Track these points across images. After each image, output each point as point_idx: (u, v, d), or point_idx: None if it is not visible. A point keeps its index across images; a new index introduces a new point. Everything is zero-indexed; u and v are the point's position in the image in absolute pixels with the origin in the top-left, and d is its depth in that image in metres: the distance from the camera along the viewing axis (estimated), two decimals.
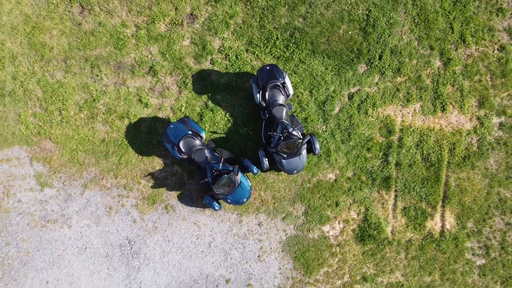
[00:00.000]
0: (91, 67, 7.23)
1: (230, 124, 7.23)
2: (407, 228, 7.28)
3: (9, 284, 7.24)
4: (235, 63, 7.21)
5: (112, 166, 7.27)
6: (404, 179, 7.26)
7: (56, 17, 7.19)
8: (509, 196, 7.21)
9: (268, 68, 6.50)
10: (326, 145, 7.21)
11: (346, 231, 7.31)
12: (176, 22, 7.20)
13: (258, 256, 7.29)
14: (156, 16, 7.17)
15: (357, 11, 7.16)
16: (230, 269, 7.28)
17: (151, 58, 7.24)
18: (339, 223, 7.33)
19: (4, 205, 7.23)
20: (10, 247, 7.24)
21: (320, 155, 7.20)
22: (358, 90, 7.24)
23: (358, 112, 7.22)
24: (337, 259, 7.30)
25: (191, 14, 7.23)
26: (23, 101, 7.23)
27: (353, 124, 7.21)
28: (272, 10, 7.16)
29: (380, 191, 7.28)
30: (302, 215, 7.31)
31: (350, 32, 7.19)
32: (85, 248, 7.27)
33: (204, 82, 7.23)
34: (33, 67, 7.22)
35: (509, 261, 7.23)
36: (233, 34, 7.23)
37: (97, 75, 7.24)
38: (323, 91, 7.19)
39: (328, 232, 7.33)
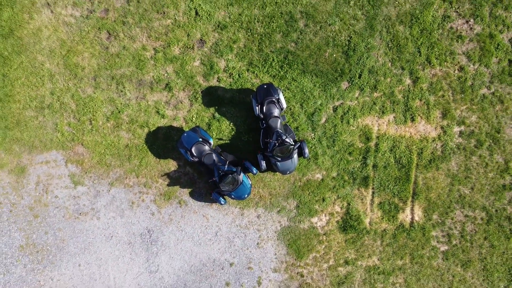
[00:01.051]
0: (117, 84, 8.60)
1: (233, 132, 8.61)
2: (382, 220, 8.64)
3: (48, 266, 8.59)
4: (237, 81, 8.58)
5: (134, 167, 8.63)
6: (379, 178, 8.62)
7: (87, 42, 8.55)
8: (468, 193, 8.58)
9: (265, 86, 7.87)
10: (314, 149, 8.58)
11: (331, 222, 8.68)
12: (188, 46, 8.57)
13: (257, 244, 8.65)
14: (171, 41, 8.54)
15: (340, 37, 8.53)
16: (233, 254, 8.64)
17: (167, 76, 8.60)
18: (325, 216, 8.69)
19: (43, 200, 8.58)
20: (48, 236, 8.60)
21: (309, 158, 8.56)
22: (341, 103, 8.61)
23: (341, 122, 8.59)
24: (323, 246, 8.66)
25: (201, 40, 8.60)
26: (60, 112, 8.59)
27: (337, 132, 8.58)
28: (269, 36, 8.53)
29: (360, 189, 8.65)
30: (294, 209, 8.67)
31: (334, 55, 8.57)
32: (111, 236, 8.63)
33: (212, 97, 8.60)
34: (68, 84, 8.58)
35: (468, 247, 8.60)
36: (236, 56, 8.60)
37: (122, 91, 8.60)
38: (311, 104, 8.56)
39: (316, 223, 8.69)
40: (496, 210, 8.56)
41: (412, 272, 8.65)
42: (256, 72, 8.57)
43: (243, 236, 8.64)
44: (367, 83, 8.55)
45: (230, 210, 8.66)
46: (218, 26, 8.53)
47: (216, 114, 8.59)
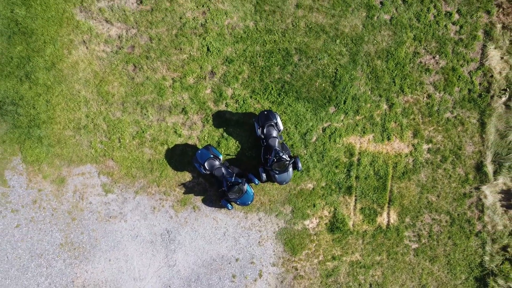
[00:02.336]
0: (141, 108, 10.26)
1: (239, 149, 10.28)
2: (363, 222, 10.32)
3: (83, 261, 10.25)
4: (242, 106, 10.26)
5: (155, 178, 10.30)
6: (361, 187, 10.30)
7: (116, 73, 10.22)
8: (434, 200, 10.26)
9: (266, 112, 9.54)
10: (306, 163, 10.26)
11: (320, 224, 10.35)
12: (201, 77, 10.25)
13: (259, 242, 10.31)
14: (187, 72, 10.22)
15: (328, 70, 10.22)
16: (238, 251, 10.30)
17: (183, 102, 10.28)
18: (315, 219, 10.37)
19: (79, 205, 10.24)
20: (83, 235, 10.25)
21: (302, 171, 10.23)
22: (329, 125, 10.29)
23: (329, 140, 10.27)
24: (314, 244, 10.33)
25: (212, 71, 10.27)
26: (93, 132, 10.26)
27: (325, 149, 10.26)
28: (269, 69, 10.22)
29: (345, 196, 10.33)
30: (290, 213, 10.34)
31: (323, 84, 10.25)
32: (136, 236, 10.29)
33: (221, 119, 10.27)
34: (100, 108, 10.25)
35: (434, 245, 10.28)
36: (241, 85, 10.28)
37: (145, 114, 10.27)
38: (304, 125, 10.24)
39: (308, 225, 10.36)
40: (458, 214, 10.25)
41: (388, 266, 10.33)
42: (257, 98, 10.25)
43: (247, 236, 10.31)
44: (350, 108, 10.24)
45: (236, 214, 10.33)
46: (226, 60, 10.21)
47: (225, 134, 10.26)
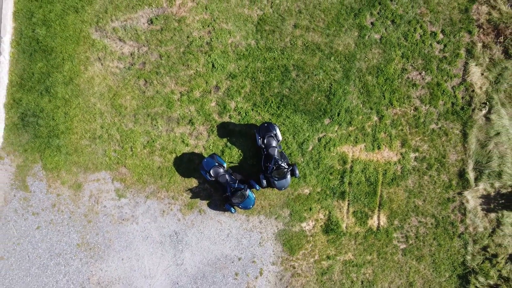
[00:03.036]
0: (151, 120, 11.17)
1: (242, 157, 11.20)
2: (355, 225, 11.24)
3: (98, 260, 11.15)
4: (244, 118, 11.17)
5: (164, 184, 11.20)
6: (353, 193, 11.22)
7: (129, 87, 11.14)
8: (421, 204, 11.18)
9: (266, 124, 10.45)
10: (303, 171, 11.17)
11: (316, 227, 11.26)
12: (207, 91, 11.17)
13: (259, 243, 11.22)
14: (194, 87, 11.13)
15: (323, 85, 11.14)
16: (241, 251, 11.21)
17: (190, 114, 11.19)
18: (312, 221, 11.28)
19: (95, 209, 11.15)
20: (98, 236, 11.16)
21: (300, 177, 11.14)
22: (324, 135, 11.21)
23: (324, 149, 11.18)
24: (310, 245, 11.24)
25: (216, 86, 11.19)
26: (107, 142, 11.16)
27: (321, 157, 11.17)
28: (269, 83, 11.14)
29: (338, 201, 11.25)
30: (288, 216, 11.25)
31: (319, 98, 11.17)
32: (147, 237, 11.19)
33: (225, 130, 11.18)
34: (114, 120, 11.16)
35: (421, 245, 11.20)
36: (243, 99, 11.19)
37: (155, 125, 11.18)
38: (301, 136, 11.16)
39: (305, 227, 11.27)
40: (442, 217, 11.17)
41: (378, 265, 11.24)
42: (258, 111, 11.17)
43: (249, 237, 11.21)
44: (344, 119, 11.16)
45: (239, 217, 11.24)
46: (230, 75, 11.13)
47: (228, 144, 11.17)
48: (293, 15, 11.11)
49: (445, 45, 11.14)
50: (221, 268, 11.19)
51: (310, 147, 11.20)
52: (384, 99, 11.14)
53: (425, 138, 11.15)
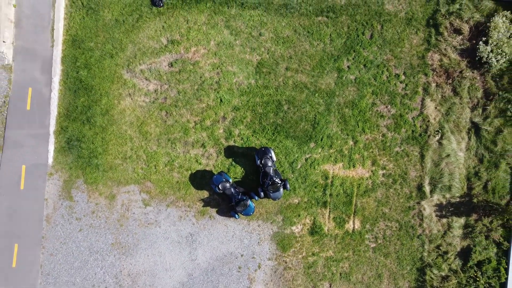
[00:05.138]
0: (171, 143, 13.91)
1: (244, 174, 13.95)
2: (335, 228, 13.99)
3: (128, 256, 13.86)
4: (246, 142, 13.92)
5: (182, 195, 13.93)
6: (334, 202, 13.97)
7: (153, 117, 13.88)
8: (387, 211, 13.95)
9: (263, 148, 13.20)
10: (293, 184, 13.92)
11: (304, 229, 14.00)
12: (216, 120, 13.92)
13: (258, 242, 13.95)
14: (205, 117, 13.88)
15: (309, 116, 13.90)
16: (243, 249, 13.93)
17: (202, 139, 13.93)
18: (300, 225, 14.02)
19: (126, 215, 13.87)
20: (128, 237, 13.88)
21: (290, 190, 13.89)
22: (310, 156, 13.97)
23: (310, 167, 13.94)
24: (299, 244, 13.98)
25: (223, 117, 13.94)
26: (136, 161, 13.90)
27: (307, 174, 13.93)
28: (265, 115, 13.90)
29: (321, 209, 14.00)
30: (281, 221, 13.99)
31: (306, 126, 13.93)
32: (168, 238, 13.91)
33: (230, 152, 13.93)
34: (141, 143, 13.90)
35: (387, 244, 13.95)
36: (245, 127, 13.95)
37: (174, 148, 13.91)
38: (292, 156, 13.91)
39: (294, 230, 14.00)
40: (405, 222, 13.94)
41: (353, 260, 13.99)
42: (257, 137, 13.92)
43: (249, 238, 13.95)
44: (326, 143, 13.92)
45: (241, 222, 13.98)
46: (234, 108, 13.88)
47: (233, 163, 13.92)
48: (285, 60, 13.89)
49: (406, 85, 13.92)
50: (227, 263, 13.93)
51: (299, 166, 13.96)
52: (358, 127, 13.90)
53: (391, 158, 13.92)
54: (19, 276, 13.65)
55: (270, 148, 13.41)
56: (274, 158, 13.25)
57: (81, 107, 13.81)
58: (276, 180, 12.96)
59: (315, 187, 13.95)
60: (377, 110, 13.96)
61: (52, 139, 13.79)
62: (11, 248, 13.70)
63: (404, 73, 13.95)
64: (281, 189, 13.24)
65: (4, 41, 13.21)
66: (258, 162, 13.21)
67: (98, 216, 13.85)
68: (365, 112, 13.91)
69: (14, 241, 13.71)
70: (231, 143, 13.95)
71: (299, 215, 13.96)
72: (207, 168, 13.96)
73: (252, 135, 13.95)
